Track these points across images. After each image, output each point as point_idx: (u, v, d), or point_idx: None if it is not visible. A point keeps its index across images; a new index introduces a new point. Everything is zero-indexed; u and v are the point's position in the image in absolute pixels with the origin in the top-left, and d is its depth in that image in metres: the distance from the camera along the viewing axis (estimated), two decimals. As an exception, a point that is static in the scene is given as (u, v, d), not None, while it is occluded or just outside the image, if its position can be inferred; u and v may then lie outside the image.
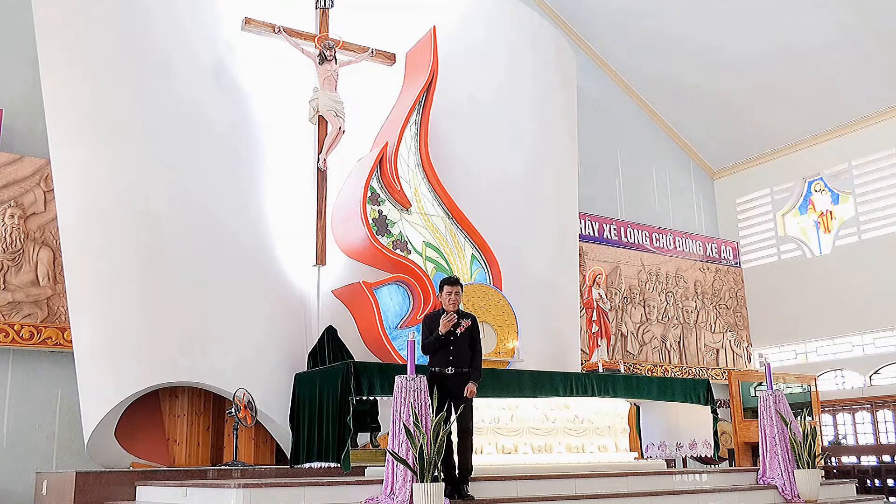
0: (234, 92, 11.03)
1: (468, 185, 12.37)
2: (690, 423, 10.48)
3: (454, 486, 7.07)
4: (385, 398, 8.33)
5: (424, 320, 7.53)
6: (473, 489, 7.20)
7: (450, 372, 7.19)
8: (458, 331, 7.28)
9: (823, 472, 10.31)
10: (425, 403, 6.70)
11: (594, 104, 16.71)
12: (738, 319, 17.83)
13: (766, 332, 17.71)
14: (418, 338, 7.40)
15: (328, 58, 11.34)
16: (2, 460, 10.14)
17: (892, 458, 14.83)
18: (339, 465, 7.86)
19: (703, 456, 10.39)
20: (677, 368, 16.32)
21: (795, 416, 9.24)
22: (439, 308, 7.55)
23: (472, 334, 7.43)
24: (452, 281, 7.51)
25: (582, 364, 13.18)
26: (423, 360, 7.45)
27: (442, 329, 7.20)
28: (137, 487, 8.09)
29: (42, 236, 10.58)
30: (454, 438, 7.14)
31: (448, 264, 11.67)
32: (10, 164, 10.60)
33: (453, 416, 7.00)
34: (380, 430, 9.79)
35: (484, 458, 8.56)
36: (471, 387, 7.19)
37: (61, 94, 10.04)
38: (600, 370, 12.26)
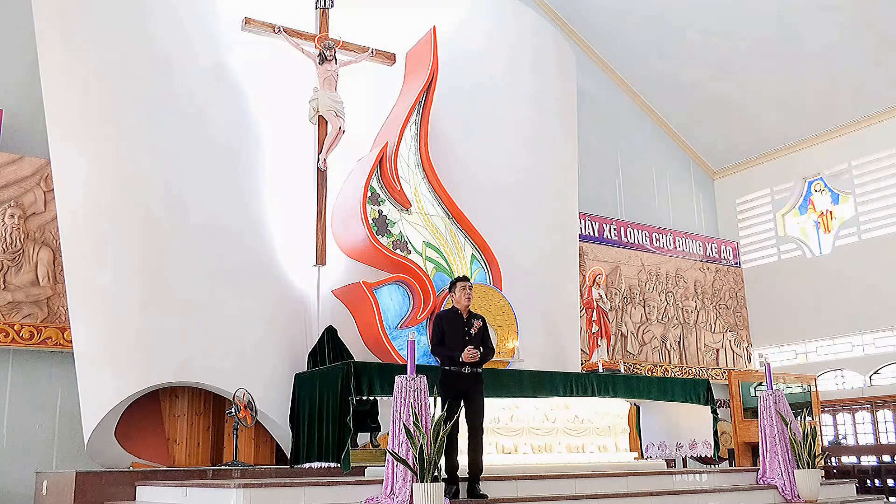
0: (234, 92, 11.03)
1: (468, 185, 12.37)
2: (690, 423, 10.48)
3: (468, 485, 7.13)
4: (385, 398, 8.32)
5: (436, 319, 7.61)
6: (473, 489, 7.24)
7: (466, 371, 7.26)
8: (472, 331, 7.39)
9: (823, 472, 10.31)
10: (425, 403, 6.71)
11: (594, 104, 16.71)
12: (738, 319, 17.82)
13: (766, 332, 17.70)
14: (418, 338, 7.45)
15: (328, 58, 11.34)
16: (2, 460, 10.14)
17: (892, 458, 14.83)
18: (339, 465, 7.85)
19: (703, 456, 10.38)
20: (677, 368, 16.31)
21: (795, 416, 9.23)
22: (450, 307, 7.65)
23: (484, 334, 7.56)
24: (464, 277, 7.69)
25: (582, 364, 13.17)
26: (423, 360, 7.47)
27: (465, 358, 7.25)
28: (137, 487, 8.08)
29: (42, 236, 10.58)
30: (459, 438, 7.19)
31: (448, 264, 11.66)
32: (10, 164, 10.59)
33: (457, 416, 7.03)
34: (380, 430, 9.79)
35: (484, 457, 8.55)
36: (474, 353, 7.26)
37: (61, 94, 10.04)
38: (600, 370, 12.26)
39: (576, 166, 14.23)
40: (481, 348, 7.35)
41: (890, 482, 13.83)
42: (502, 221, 12.50)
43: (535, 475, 7.98)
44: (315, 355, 10.12)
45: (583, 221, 15.59)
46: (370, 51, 11.94)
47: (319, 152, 11.31)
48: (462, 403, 7.20)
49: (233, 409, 9.24)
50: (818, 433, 11.56)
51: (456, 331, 7.37)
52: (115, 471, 8.40)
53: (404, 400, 6.54)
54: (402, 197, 11.54)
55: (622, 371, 13.51)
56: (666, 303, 16.61)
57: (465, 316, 7.49)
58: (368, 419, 9.66)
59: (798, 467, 8.93)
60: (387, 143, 11.49)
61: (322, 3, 11.86)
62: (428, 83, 11.83)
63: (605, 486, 8.04)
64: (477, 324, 7.43)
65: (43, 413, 10.46)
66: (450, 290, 7.74)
